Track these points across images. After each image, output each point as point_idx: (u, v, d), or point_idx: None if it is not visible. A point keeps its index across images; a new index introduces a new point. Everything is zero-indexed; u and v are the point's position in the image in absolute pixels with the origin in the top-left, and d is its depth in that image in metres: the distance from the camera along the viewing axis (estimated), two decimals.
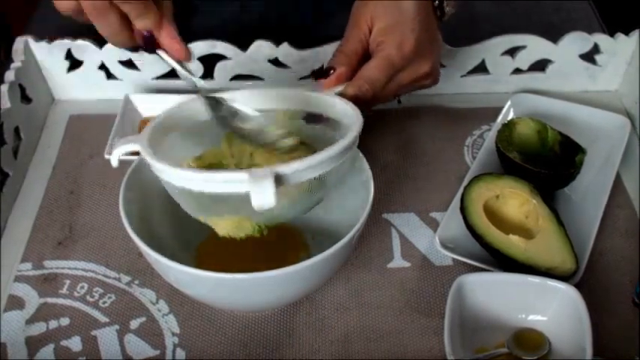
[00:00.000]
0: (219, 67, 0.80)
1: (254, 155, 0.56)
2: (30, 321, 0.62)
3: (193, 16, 0.88)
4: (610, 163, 0.73)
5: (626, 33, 0.80)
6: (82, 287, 0.64)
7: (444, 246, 0.65)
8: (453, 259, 0.66)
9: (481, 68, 0.82)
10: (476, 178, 0.67)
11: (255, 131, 0.57)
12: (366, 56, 0.62)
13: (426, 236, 0.68)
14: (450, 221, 0.67)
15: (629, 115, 0.80)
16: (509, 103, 0.79)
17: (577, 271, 0.61)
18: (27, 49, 0.78)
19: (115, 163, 0.54)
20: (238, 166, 0.56)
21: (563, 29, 0.80)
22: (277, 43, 0.78)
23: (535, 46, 0.80)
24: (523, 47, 0.80)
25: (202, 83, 0.57)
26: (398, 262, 0.66)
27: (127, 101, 0.78)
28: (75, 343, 0.60)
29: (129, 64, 0.80)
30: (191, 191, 0.49)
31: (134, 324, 0.62)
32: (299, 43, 0.78)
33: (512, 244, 0.62)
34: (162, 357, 0.59)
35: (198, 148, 0.59)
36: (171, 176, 0.50)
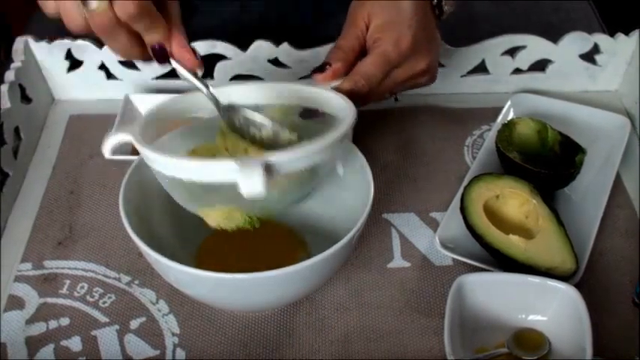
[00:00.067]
0: (219, 67, 0.80)
1: (249, 151, 0.56)
2: (30, 321, 0.62)
3: (193, 16, 0.88)
4: (610, 163, 0.73)
5: (626, 33, 0.80)
6: (82, 287, 0.64)
7: (444, 246, 0.65)
8: (453, 259, 0.66)
9: (481, 68, 0.82)
10: (476, 178, 0.67)
11: (254, 127, 0.57)
12: (362, 53, 0.62)
13: (426, 236, 0.68)
14: (450, 221, 0.67)
15: (629, 115, 0.80)
16: (509, 103, 0.79)
17: (577, 271, 0.61)
18: (27, 49, 0.78)
19: (107, 154, 0.54)
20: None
21: (563, 29, 0.80)
22: (277, 43, 0.78)
23: (535, 46, 0.80)
24: (523, 47, 0.80)
25: (214, 91, 0.57)
26: (398, 262, 0.66)
27: (127, 101, 0.78)
28: (75, 343, 0.60)
29: (129, 64, 0.80)
30: (182, 181, 0.49)
31: (134, 324, 0.62)
32: (299, 43, 0.78)
33: (512, 244, 0.62)
34: (162, 357, 0.59)
35: (192, 142, 0.59)
36: (163, 165, 0.50)
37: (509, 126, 0.72)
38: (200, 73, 0.55)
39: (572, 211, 0.68)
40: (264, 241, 0.64)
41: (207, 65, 0.79)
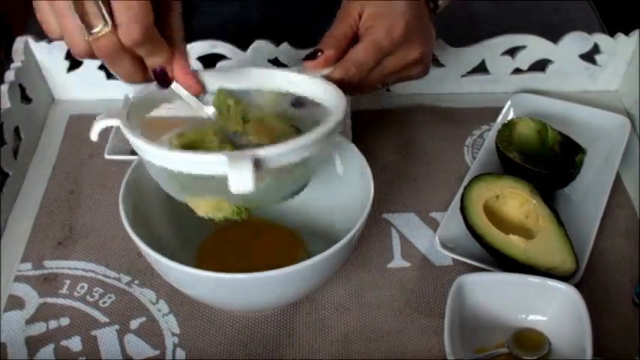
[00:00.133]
0: (219, 67, 0.80)
1: (239, 130, 0.56)
2: (30, 321, 0.62)
3: (193, 16, 0.88)
4: (610, 163, 0.73)
5: (626, 33, 0.80)
6: (82, 287, 0.64)
7: (444, 246, 0.65)
8: (453, 259, 0.66)
9: (481, 68, 0.82)
10: (476, 178, 0.67)
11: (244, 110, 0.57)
12: (355, 42, 0.61)
13: (426, 236, 0.68)
14: (450, 221, 0.67)
15: (629, 115, 0.80)
16: (509, 103, 0.79)
17: (577, 271, 0.61)
18: (27, 49, 0.78)
19: (94, 137, 0.53)
20: (222, 144, 0.55)
21: (563, 29, 0.80)
22: (277, 43, 0.78)
23: (535, 46, 0.80)
24: (523, 47, 0.80)
25: (213, 114, 0.56)
26: (398, 262, 0.66)
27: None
28: (75, 343, 0.60)
29: None
30: (172, 171, 0.49)
31: (134, 324, 0.62)
32: (299, 43, 0.78)
33: (512, 244, 0.62)
34: (162, 357, 0.59)
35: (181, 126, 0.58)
36: (151, 155, 0.50)
37: (509, 126, 0.72)
38: (202, 97, 0.55)
39: (572, 211, 0.68)
40: (264, 241, 0.64)
41: (207, 65, 0.79)
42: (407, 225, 0.69)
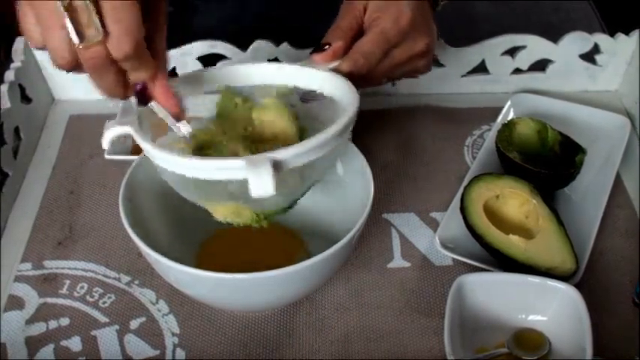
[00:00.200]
0: (220, 66, 0.80)
1: (247, 130, 0.55)
2: (30, 321, 0.62)
3: (193, 16, 0.88)
4: (610, 163, 0.73)
5: (626, 33, 0.80)
6: (82, 287, 0.64)
7: (444, 246, 0.65)
8: (453, 259, 0.66)
9: (481, 68, 0.82)
10: (476, 178, 0.67)
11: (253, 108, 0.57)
12: (359, 35, 0.61)
13: (426, 236, 0.68)
14: (450, 221, 0.67)
15: (629, 115, 0.80)
16: (509, 103, 0.79)
17: (577, 271, 0.61)
18: (27, 49, 0.78)
19: (105, 145, 0.54)
20: (230, 143, 0.55)
21: (563, 29, 0.80)
22: (277, 43, 0.78)
23: (535, 46, 0.80)
24: (523, 47, 0.80)
25: (189, 133, 0.56)
26: (398, 262, 0.66)
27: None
28: (75, 343, 0.60)
29: None
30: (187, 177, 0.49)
31: (134, 324, 0.62)
32: (299, 43, 0.78)
33: (512, 244, 0.62)
34: (162, 357, 0.59)
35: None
36: (168, 163, 0.50)
37: (509, 126, 0.72)
38: (181, 119, 0.54)
39: (572, 211, 0.68)
40: (264, 241, 0.64)
41: (207, 65, 0.79)
42: (407, 225, 0.69)
